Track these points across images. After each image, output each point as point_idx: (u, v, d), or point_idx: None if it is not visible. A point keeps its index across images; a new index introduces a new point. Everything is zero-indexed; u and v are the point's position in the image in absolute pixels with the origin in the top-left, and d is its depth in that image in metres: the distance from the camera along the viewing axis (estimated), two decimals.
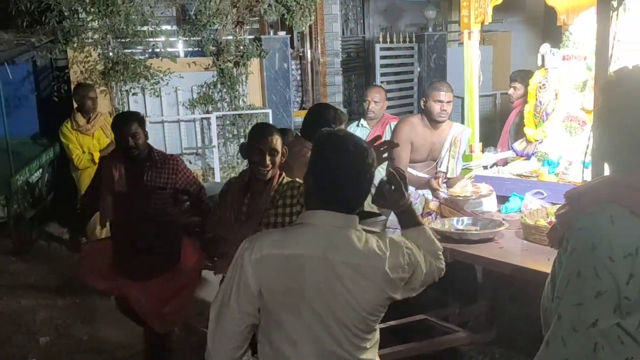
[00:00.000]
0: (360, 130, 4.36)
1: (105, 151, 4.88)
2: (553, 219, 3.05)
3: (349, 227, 1.66)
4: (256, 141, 2.50)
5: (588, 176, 3.39)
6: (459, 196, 3.37)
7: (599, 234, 1.34)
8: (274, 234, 1.74)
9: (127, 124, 3.10)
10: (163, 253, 3.17)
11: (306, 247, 1.61)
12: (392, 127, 4.21)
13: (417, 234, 1.90)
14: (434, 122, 3.48)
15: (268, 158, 2.45)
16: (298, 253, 1.61)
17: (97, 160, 4.81)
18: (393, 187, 1.88)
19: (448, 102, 3.46)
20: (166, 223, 3.20)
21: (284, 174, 2.55)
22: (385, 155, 2.46)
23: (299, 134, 3.05)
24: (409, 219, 1.95)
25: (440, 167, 3.55)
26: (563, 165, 3.61)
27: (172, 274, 3.18)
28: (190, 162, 7.49)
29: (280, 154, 2.51)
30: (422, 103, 3.49)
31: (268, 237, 1.68)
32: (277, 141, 2.51)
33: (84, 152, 4.94)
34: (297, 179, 2.50)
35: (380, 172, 3.34)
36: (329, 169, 1.65)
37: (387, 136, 4.07)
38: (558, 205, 3.22)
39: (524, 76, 4.75)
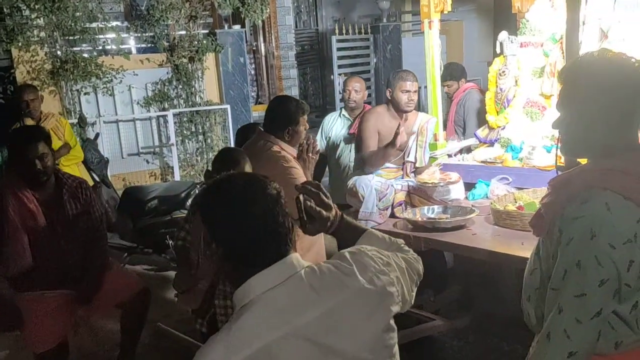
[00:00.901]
0: (342, 120, 4.32)
1: (57, 154, 4.69)
2: (522, 203, 3.12)
3: (294, 274, 1.29)
4: (218, 169, 2.41)
5: (550, 160, 3.49)
6: (427, 183, 3.39)
7: (597, 222, 1.32)
8: (220, 341, 1.23)
9: (31, 142, 2.58)
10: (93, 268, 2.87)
11: (265, 334, 1.21)
12: None
13: (369, 239, 1.57)
14: (400, 112, 3.48)
15: None
16: (261, 345, 1.20)
17: None
18: (314, 203, 1.52)
19: (415, 91, 3.46)
20: (94, 244, 2.88)
21: None
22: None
23: (262, 129, 2.99)
24: (352, 231, 1.58)
25: (408, 157, 3.56)
26: (526, 150, 3.68)
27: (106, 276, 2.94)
28: (148, 162, 7.31)
29: None
30: (387, 93, 3.48)
31: (217, 345, 1.22)
32: (246, 168, 2.43)
33: None
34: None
35: (363, 180, 3.34)
36: (242, 227, 1.28)
37: None
38: (525, 190, 3.32)
39: (451, 72, 4.84)
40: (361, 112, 4.26)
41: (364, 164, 3.47)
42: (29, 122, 4.75)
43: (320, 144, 4.27)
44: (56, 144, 4.76)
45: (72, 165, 4.86)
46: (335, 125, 4.38)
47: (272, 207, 1.32)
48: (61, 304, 2.74)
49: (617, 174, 1.36)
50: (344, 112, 4.39)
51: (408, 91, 3.43)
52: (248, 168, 2.45)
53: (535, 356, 1.41)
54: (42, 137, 2.66)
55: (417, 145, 3.58)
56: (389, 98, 3.48)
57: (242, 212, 1.29)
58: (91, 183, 5.16)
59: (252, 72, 8.91)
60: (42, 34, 6.43)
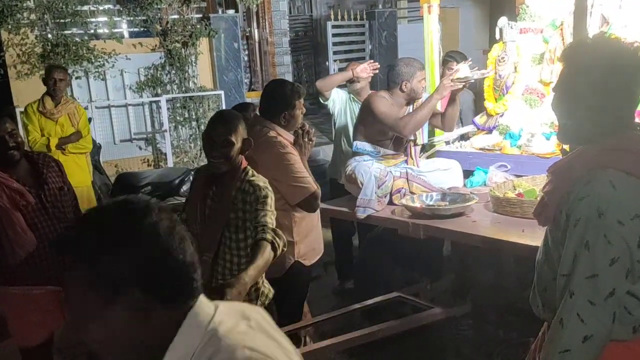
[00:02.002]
0: (351, 104, 4.24)
1: (68, 140, 4.61)
2: (521, 190, 3.09)
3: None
4: (209, 129, 2.32)
5: (549, 147, 3.46)
6: (461, 79, 3.30)
7: (604, 200, 1.31)
8: None
9: None
10: None
11: None
12: None
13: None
14: (412, 100, 3.43)
15: (220, 149, 2.27)
16: None
17: (52, 147, 4.54)
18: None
19: (424, 78, 3.45)
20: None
21: (248, 168, 2.37)
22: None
23: (258, 114, 2.93)
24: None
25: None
26: (525, 137, 3.64)
27: None
28: (141, 148, 7.22)
29: (236, 146, 2.28)
30: (404, 86, 3.35)
31: None
32: (233, 132, 2.27)
33: (42, 135, 4.65)
34: (258, 175, 2.36)
35: (362, 167, 3.28)
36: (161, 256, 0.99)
37: None
38: (524, 177, 3.29)
39: (455, 56, 4.54)
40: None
41: (404, 131, 3.30)
42: (49, 101, 4.66)
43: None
44: (69, 129, 4.69)
45: (80, 155, 4.78)
46: (344, 107, 4.27)
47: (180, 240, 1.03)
48: (50, 300, 2.66)
49: (617, 152, 1.36)
50: (352, 96, 4.30)
51: (423, 79, 3.41)
52: (242, 131, 2.33)
53: (549, 343, 1.38)
54: (7, 114, 2.58)
55: None
56: (404, 90, 3.37)
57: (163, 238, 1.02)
58: (91, 179, 5.09)
59: (246, 58, 8.82)
60: (33, 16, 6.30)
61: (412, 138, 3.49)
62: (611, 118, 1.40)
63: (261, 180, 2.32)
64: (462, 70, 3.32)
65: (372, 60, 4.33)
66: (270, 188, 2.33)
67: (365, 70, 4.17)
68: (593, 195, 1.32)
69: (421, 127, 3.44)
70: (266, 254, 2.16)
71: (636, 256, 1.31)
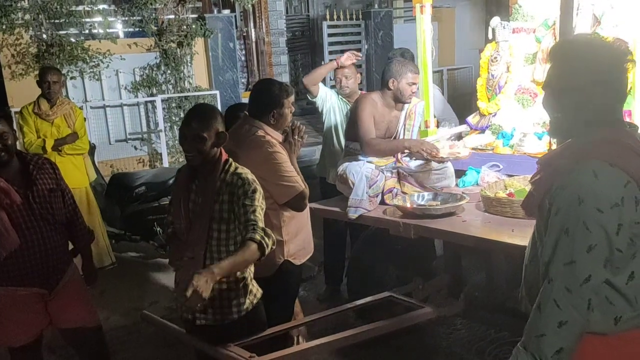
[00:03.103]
0: (341, 103, 4.24)
1: (63, 141, 4.60)
2: (512, 190, 3.09)
3: None
4: (182, 124, 2.33)
5: (541, 147, 3.47)
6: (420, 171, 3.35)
7: (584, 188, 1.34)
8: None
9: None
10: (62, 251, 2.74)
11: None
12: None
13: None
14: (400, 102, 3.43)
15: (191, 143, 2.25)
16: None
17: (48, 149, 4.54)
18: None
19: (416, 83, 3.43)
20: (74, 226, 2.81)
21: (230, 160, 2.37)
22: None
23: (247, 113, 2.92)
24: None
25: None
26: (517, 137, 3.64)
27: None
28: (136, 148, 7.23)
29: (208, 141, 2.26)
30: (391, 83, 3.35)
31: None
32: (205, 126, 2.26)
33: (38, 137, 4.64)
34: (243, 168, 2.36)
35: (353, 167, 3.29)
36: None
37: None
38: (516, 177, 3.30)
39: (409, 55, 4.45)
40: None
41: (364, 149, 3.36)
42: (45, 103, 4.66)
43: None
44: (65, 131, 4.68)
45: (77, 157, 4.77)
46: (333, 105, 4.26)
47: None
48: (36, 301, 2.65)
49: (604, 144, 1.40)
50: (340, 97, 4.29)
51: (414, 83, 3.38)
52: (217, 125, 2.31)
53: (527, 328, 1.40)
54: (2, 115, 2.58)
55: (404, 129, 3.53)
56: (391, 88, 3.38)
57: None
58: (94, 177, 5.08)
59: (243, 58, 8.82)
60: (27, 16, 6.32)
61: None
62: (597, 112, 1.45)
63: (249, 174, 2.32)
64: (441, 133, 3.39)
65: (354, 50, 4.34)
66: (258, 183, 2.32)
67: (350, 58, 4.17)
68: (574, 184, 1.35)
69: (382, 157, 3.43)
70: (248, 253, 2.15)
71: (615, 243, 1.33)
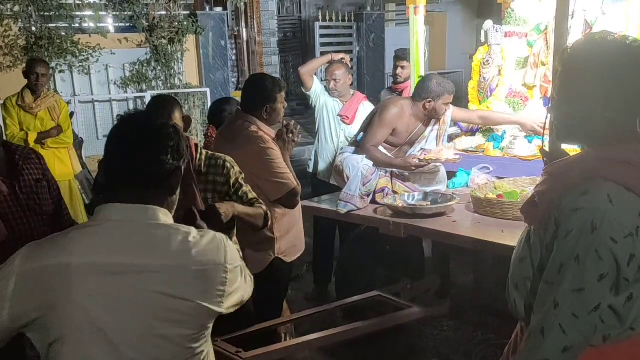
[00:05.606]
0: (333, 102, 4.24)
1: (47, 135, 4.54)
2: (502, 192, 3.10)
3: (142, 221, 1.32)
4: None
5: (531, 150, 3.49)
6: (432, 159, 3.33)
7: (598, 215, 1.26)
8: (39, 245, 1.39)
9: None
10: None
11: (63, 257, 1.27)
12: (366, 107, 4.12)
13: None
14: (432, 117, 3.42)
15: None
16: (53, 263, 1.28)
17: (31, 142, 4.48)
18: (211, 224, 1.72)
19: (450, 102, 3.42)
20: (60, 218, 2.69)
21: (201, 149, 2.39)
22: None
23: (239, 108, 2.91)
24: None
25: (426, 145, 3.49)
26: (508, 139, 3.67)
27: None
28: None
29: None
30: (427, 104, 3.32)
31: (37, 247, 1.37)
32: (166, 117, 2.25)
33: (21, 129, 4.58)
34: (219, 155, 2.39)
35: (351, 160, 3.28)
36: (106, 148, 1.41)
37: (361, 116, 3.95)
38: (505, 179, 3.31)
39: (407, 54, 4.49)
40: (352, 97, 4.21)
41: (361, 150, 3.35)
42: (29, 95, 4.60)
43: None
44: (49, 124, 4.63)
45: (61, 149, 4.71)
46: (326, 101, 4.25)
47: (141, 140, 1.36)
48: None
49: (618, 164, 1.30)
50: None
51: (450, 103, 3.39)
52: (177, 113, 2.38)
53: (528, 352, 1.35)
54: None
55: (437, 135, 3.53)
56: (427, 107, 3.33)
57: (118, 130, 1.40)
58: (79, 170, 5.02)
59: (233, 57, 8.79)
60: (16, 8, 6.23)
61: (429, 149, 3.49)
62: (615, 124, 1.33)
63: (223, 156, 2.40)
64: (436, 151, 3.40)
65: (344, 55, 4.52)
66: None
67: (343, 57, 4.35)
68: (588, 208, 1.28)
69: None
70: (257, 213, 2.33)
71: (624, 273, 1.29)
